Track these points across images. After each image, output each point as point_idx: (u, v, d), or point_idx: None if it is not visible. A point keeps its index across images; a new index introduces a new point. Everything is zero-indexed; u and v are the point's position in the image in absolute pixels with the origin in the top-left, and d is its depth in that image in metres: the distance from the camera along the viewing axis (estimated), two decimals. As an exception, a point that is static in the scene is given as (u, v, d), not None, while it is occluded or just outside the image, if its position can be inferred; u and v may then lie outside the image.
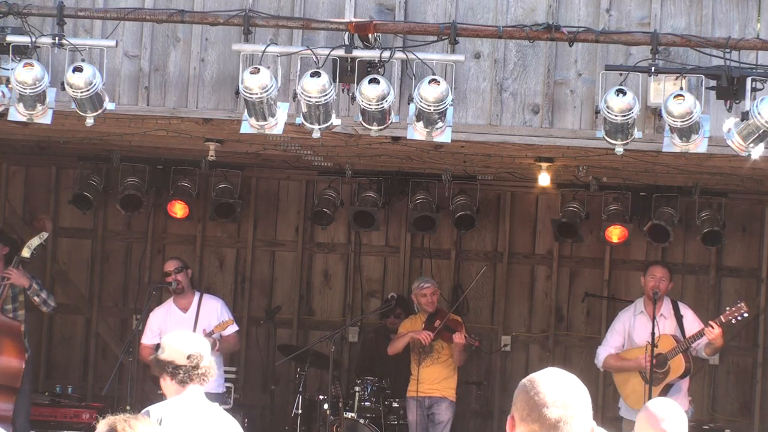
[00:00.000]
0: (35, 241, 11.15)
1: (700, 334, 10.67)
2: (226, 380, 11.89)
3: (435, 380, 11.58)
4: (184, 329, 10.69)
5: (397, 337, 11.75)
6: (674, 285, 11.56)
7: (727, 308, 10.67)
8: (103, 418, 4.49)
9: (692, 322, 10.93)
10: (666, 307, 11.02)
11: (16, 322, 11.10)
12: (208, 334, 10.97)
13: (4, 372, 10.73)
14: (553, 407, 3.70)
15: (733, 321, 10.60)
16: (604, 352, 11.12)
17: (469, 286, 12.99)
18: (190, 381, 6.43)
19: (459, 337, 11.36)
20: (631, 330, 11.05)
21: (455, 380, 11.70)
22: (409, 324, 11.76)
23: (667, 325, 10.92)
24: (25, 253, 11.12)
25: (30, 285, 11.08)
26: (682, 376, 10.80)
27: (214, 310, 11.26)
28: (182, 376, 6.44)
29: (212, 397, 10.72)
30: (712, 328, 10.43)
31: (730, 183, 11.83)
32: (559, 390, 3.72)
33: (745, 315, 10.60)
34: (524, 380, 3.79)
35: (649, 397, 10.56)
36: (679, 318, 11.00)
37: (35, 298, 11.16)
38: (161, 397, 6.96)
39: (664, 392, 10.70)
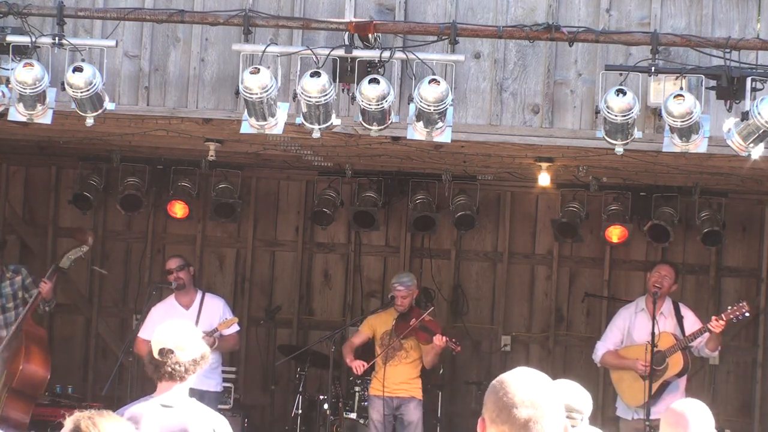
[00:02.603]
0: (75, 253, 11.24)
1: (700, 332, 10.71)
2: (226, 380, 11.90)
3: (401, 380, 11.28)
4: None
5: (347, 346, 11.47)
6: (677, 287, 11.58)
7: (729, 307, 10.71)
8: (70, 415, 4.42)
9: (693, 323, 10.97)
10: (667, 306, 11.06)
11: (42, 330, 11.14)
12: (209, 333, 10.98)
13: (29, 380, 10.71)
14: (522, 407, 3.66)
15: (734, 320, 10.63)
16: (602, 348, 11.18)
17: (467, 290, 13.08)
18: (161, 378, 6.23)
19: (440, 339, 11.01)
20: (631, 327, 11.11)
21: (420, 380, 11.40)
22: (376, 320, 11.55)
23: (667, 324, 10.95)
24: (64, 263, 11.25)
25: (51, 299, 11.14)
26: (680, 374, 10.84)
27: (216, 310, 11.30)
28: (155, 372, 6.29)
29: (210, 396, 10.82)
30: (717, 321, 10.47)
31: (730, 183, 11.83)
32: (528, 390, 3.68)
33: (747, 314, 10.63)
34: (494, 381, 3.76)
35: (648, 395, 10.61)
36: (679, 318, 11.04)
37: (46, 307, 11.23)
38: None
39: (661, 390, 10.74)
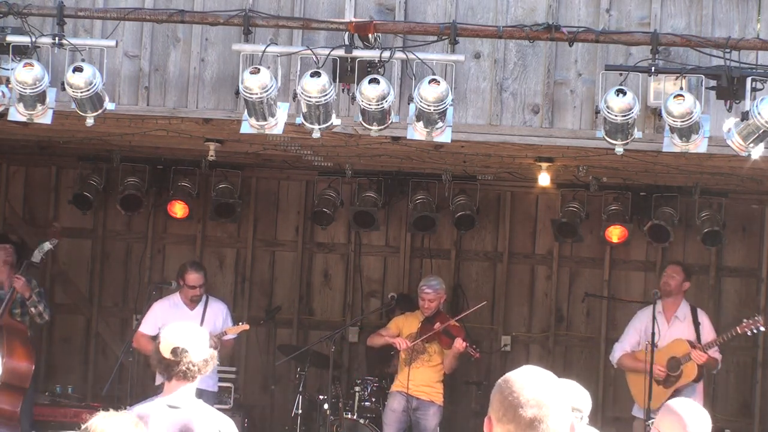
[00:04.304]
0: (45, 247, 11.29)
1: (712, 344, 10.81)
2: (227, 380, 11.90)
3: (423, 383, 11.31)
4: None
5: (377, 334, 11.60)
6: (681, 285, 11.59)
7: (744, 320, 10.77)
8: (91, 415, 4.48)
9: (708, 332, 11.07)
10: (683, 310, 11.13)
11: (22, 324, 11.21)
12: (218, 335, 11.01)
13: (14, 373, 10.77)
14: (528, 407, 3.67)
15: (749, 333, 10.73)
16: (619, 350, 11.24)
17: (467, 290, 13.10)
18: (173, 377, 6.25)
19: (460, 344, 11.04)
20: (648, 329, 11.14)
21: (442, 386, 11.44)
22: (403, 321, 11.60)
23: (683, 329, 11.02)
24: (35, 257, 11.25)
25: (30, 296, 11.16)
26: (695, 381, 10.89)
27: (219, 313, 11.37)
28: (165, 372, 6.29)
29: (208, 395, 10.82)
30: (700, 352, 10.67)
31: (730, 183, 11.83)
32: (533, 389, 3.70)
33: (762, 329, 10.69)
34: (500, 380, 3.77)
35: (648, 396, 10.64)
36: (696, 324, 11.09)
37: (32, 308, 11.27)
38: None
39: (675, 395, 10.77)
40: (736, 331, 10.67)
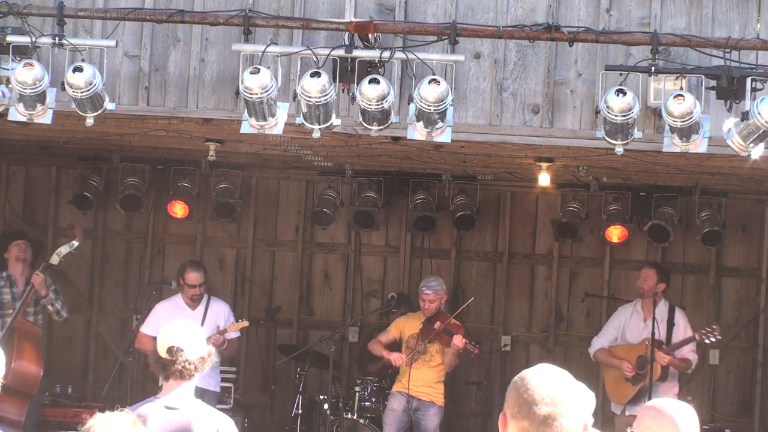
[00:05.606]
0: (65, 249, 11.25)
1: (682, 343, 10.96)
2: (227, 380, 11.91)
3: (424, 383, 11.28)
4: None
5: (377, 342, 11.59)
6: (672, 285, 11.63)
7: (703, 329, 10.94)
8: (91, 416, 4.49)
9: (682, 333, 11.18)
10: (661, 311, 11.18)
11: (36, 327, 11.15)
12: (221, 332, 11.04)
13: (22, 377, 10.66)
14: (542, 404, 3.71)
15: (707, 341, 10.94)
16: (597, 344, 11.52)
17: (468, 290, 13.09)
18: (170, 377, 6.23)
19: (459, 340, 10.99)
20: (625, 326, 11.36)
21: (443, 386, 11.41)
22: (404, 322, 11.62)
23: (656, 329, 11.08)
24: (54, 260, 11.24)
25: (46, 294, 11.12)
26: (660, 381, 11.00)
27: (222, 313, 11.38)
28: (163, 371, 6.27)
29: (209, 395, 10.83)
30: (663, 354, 10.84)
31: (730, 183, 11.84)
32: (548, 387, 3.74)
33: (717, 338, 10.93)
34: (516, 377, 3.81)
35: (649, 394, 10.70)
36: (671, 325, 11.18)
37: (49, 306, 11.24)
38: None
39: (641, 393, 10.90)
40: (693, 338, 10.94)
